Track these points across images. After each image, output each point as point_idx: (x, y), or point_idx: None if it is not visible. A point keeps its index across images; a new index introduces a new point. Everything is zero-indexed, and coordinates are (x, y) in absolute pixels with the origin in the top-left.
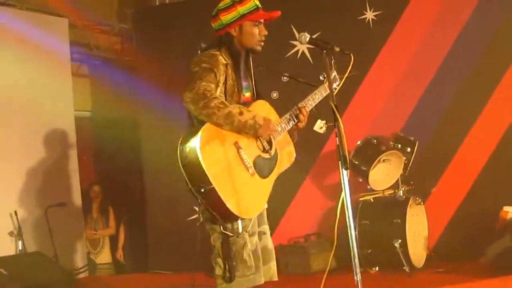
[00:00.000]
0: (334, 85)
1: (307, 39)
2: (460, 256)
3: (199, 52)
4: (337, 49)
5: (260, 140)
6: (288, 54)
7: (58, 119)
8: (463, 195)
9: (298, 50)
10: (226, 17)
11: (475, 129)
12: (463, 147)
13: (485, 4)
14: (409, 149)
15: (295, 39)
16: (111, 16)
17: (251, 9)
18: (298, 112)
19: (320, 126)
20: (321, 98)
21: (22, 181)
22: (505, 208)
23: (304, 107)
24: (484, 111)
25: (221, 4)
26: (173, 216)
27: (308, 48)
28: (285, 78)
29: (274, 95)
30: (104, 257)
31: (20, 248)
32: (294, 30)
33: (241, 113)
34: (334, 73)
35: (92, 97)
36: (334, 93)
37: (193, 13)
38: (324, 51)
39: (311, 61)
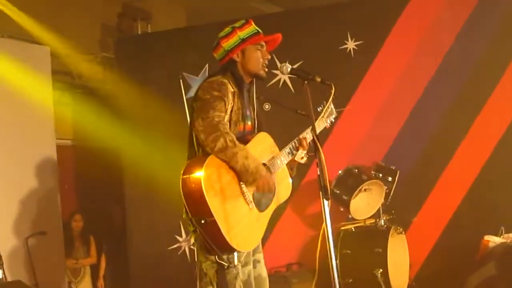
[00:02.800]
0: (331, 118)
1: (289, 69)
2: (442, 285)
3: (180, 81)
4: (318, 79)
5: None
6: (270, 84)
7: (39, 147)
8: (444, 225)
9: (279, 80)
10: (227, 43)
11: (456, 159)
12: (444, 177)
13: (467, 33)
14: (390, 179)
15: (277, 69)
16: (93, 44)
17: (251, 33)
18: (298, 144)
19: (301, 156)
20: (320, 130)
21: (2, 209)
22: (486, 237)
23: (305, 138)
24: (465, 141)
25: (222, 33)
26: (154, 245)
27: (289, 78)
28: (266, 106)
29: (267, 106)
30: (85, 286)
31: (1, 276)
32: (276, 60)
33: (246, 158)
34: (332, 107)
35: (73, 126)
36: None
37: (175, 42)
38: (306, 82)
39: (293, 91)
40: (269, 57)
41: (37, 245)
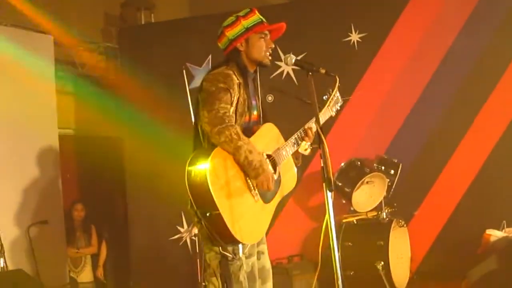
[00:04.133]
0: (337, 106)
1: (293, 60)
2: (443, 278)
3: (183, 71)
4: (323, 71)
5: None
6: (273, 75)
7: (41, 137)
8: (446, 218)
9: (283, 71)
10: (231, 32)
11: (459, 152)
12: (446, 170)
13: (470, 28)
14: (392, 171)
15: (280, 60)
16: (96, 34)
17: (255, 22)
18: (304, 134)
19: (305, 147)
20: (325, 120)
21: (4, 199)
22: (488, 231)
23: (311, 128)
24: (468, 134)
25: (226, 22)
26: (155, 235)
27: (293, 69)
28: (269, 98)
29: (269, 98)
30: (85, 275)
31: (2, 265)
32: (280, 51)
33: (250, 152)
34: (338, 95)
35: (76, 115)
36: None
37: (178, 32)
38: (310, 73)
39: (296, 82)
40: (273, 46)
41: (39, 234)
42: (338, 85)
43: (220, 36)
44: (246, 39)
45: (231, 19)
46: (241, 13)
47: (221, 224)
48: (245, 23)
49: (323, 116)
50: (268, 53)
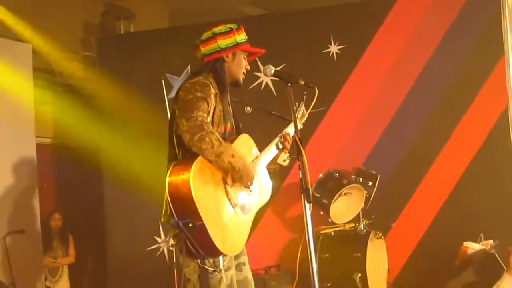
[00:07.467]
0: (303, 120)
1: (272, 71)
2: None
3: (162, 81)
4: (302, 82)
5: None
6: (252, 86)
7: (19, 145)
8: (423, 230)
9: (261, 82)
10: (224, 42)
11: (437, 165)
12: (424, 182)
13: (449, 41)
14: (370, 183)
15: (259, 71)
16: (75, 43)
17: (244, 40)
18: (283, 139)
19: (283, 158)
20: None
21: None
22: (465, 244)
23: (288, 133)
24: (446, 147)
25: (218, 29)
26: (132, 245)
27: (272, 80)
28: (248, 109)
29: (248, 109)
30: (62, 285)
31: None
32: (259, 62)
33: (233, 156)
34: (303, 109)
35: (54, 124)
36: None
37: (157, 42)
38: (289, 84)
39: (275, 93)
40: (249, 68)
41: (15, 244)
42: (303, 102)
43: (211, 40)
44: (233, 53)
45: (223, 28)
46: (233, 26)
47: (204, 235)
48: (238, 37)
49: (292, 129)
50: (244, 73)
